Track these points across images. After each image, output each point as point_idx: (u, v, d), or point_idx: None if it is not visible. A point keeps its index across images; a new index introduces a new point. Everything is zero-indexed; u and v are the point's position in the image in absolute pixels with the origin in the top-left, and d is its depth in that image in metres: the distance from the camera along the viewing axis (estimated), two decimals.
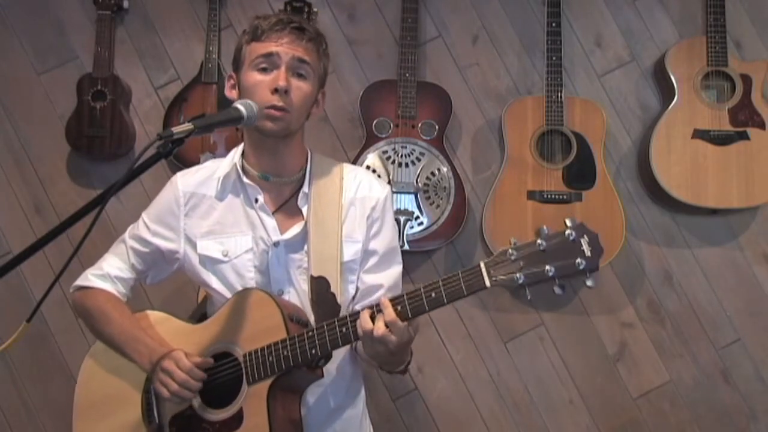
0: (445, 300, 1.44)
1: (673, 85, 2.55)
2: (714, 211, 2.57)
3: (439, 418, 2.64)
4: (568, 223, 1.40)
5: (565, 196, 2.49)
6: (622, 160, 2.69)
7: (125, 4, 2.66)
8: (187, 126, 1.40)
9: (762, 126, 2.51)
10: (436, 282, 1.45)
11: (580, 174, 2.51)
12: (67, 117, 2.59)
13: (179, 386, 1.57)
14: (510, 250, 1.40)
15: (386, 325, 1.46)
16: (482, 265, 1.42)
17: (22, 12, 2.72)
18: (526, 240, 1.41)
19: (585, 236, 1.38)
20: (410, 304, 1.46)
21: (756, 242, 2.68)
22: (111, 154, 2.60)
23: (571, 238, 1.38)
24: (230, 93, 1.70)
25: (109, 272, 1.77)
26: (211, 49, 2.63)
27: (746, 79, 2.52)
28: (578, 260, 1.37)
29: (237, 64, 1.68)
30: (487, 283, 1.41)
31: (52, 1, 2.72)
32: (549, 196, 2.49)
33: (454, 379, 2.64)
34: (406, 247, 2.49)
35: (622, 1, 2.74)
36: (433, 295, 1.45)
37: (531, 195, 2.50)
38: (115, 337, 1.71)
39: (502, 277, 1.40)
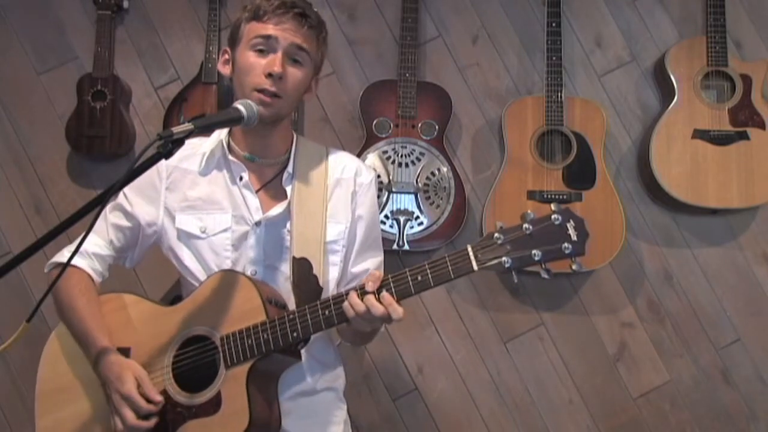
0: (431, 283, 1.44)
1: (673, 85, 2.54)
2: (714, 211, 2.57)
3: (439, 418, 2.63)
4: (554, 207, 1.40)
5: (565, 196, 2.49)
6: (622, 160, 2.69)
7: (125, 4, 2.66)
8: (187, 126, 1.41)
9: (762, 126, 2.51)
10: (422, 265, 1.45)
11: (580, 174, 2.51)
12: (67, 117, 2.59)
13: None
14: (496, 234, 1.41)
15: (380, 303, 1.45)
16: (469, 248, 1.42)
17: (22, 12, 2.72)
18: (512, 224, 1.42)
19: (571, 221, 1.39)
20: (396, 287, 1.46)
21: (756, 242, 2.68)
22: (111, 154, 2.59)
23: (557, 222, 1.39)
24: (223, 68, 1.72)
25: (86, 248, 1.72)
26: (211, 49, 2.62)
27: (746, 79, 2.52)
28: (565, 244, 1.38)
29: (233, 41, 1.68)
30: (475, 266, 1.41)
31: (52, 1, 2.72)
32: (549, 196, 2.49)
33: (454, 379, 2.64)
34: (406, 247, 2.49)
35: (622, 1, 2.74)
36: (419, 278, 1.44)
37: (531, 195, 2.50)
38: (74, 326, 1.68)
39: (489, 261, 1.40)
